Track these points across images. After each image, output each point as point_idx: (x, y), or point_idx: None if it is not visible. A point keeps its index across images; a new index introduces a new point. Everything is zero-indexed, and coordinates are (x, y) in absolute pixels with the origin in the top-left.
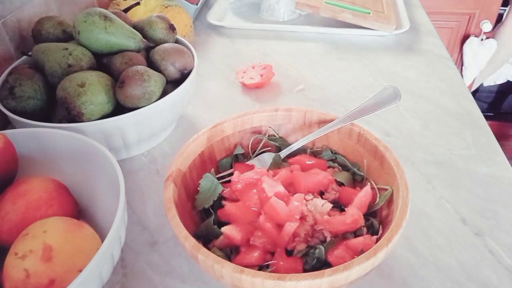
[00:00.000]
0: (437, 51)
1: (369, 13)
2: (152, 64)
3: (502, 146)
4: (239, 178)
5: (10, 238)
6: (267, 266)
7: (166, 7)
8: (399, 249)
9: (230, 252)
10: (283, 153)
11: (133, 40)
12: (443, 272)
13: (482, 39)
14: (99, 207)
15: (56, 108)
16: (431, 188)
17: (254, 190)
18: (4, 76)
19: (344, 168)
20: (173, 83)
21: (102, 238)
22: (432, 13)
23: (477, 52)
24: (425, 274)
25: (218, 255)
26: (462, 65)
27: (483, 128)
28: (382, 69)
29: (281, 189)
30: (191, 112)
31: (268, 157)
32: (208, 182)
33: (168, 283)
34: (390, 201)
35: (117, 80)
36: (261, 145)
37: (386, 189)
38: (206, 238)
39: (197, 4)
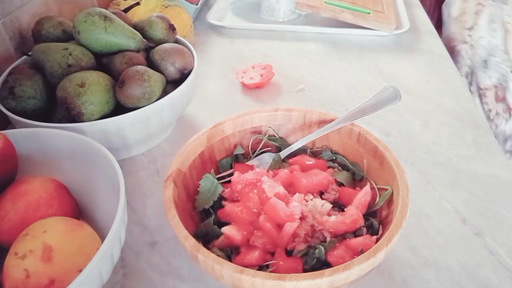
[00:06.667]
0: (437, 51)
1: (369, 13)
2: (152, 64)
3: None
4: (239, 178)
5: (10, 238)
6: (267, 266)
7: (166, 7)
8: (399, 249)
9: (230, 252)
10: (283, 153)
11: (133, 40)
12: (443, 272)
13: None
14: (99, 207)
15: (56, 108)
16: (431, 188)
17: (255, 191)
18: (4, 76)
19: (344, 168)
20: (173, 83)
21: (102, 238)
22: None
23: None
24: (425, 274)
25: (218, 255)
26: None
27: (483, 128)
28: (382, 69)
29: (281, 189)
30: (191, 112)
31: (268, 157)
32: (208, 183)
33: (168, 283)
34: (390, 201)
35: (117, 80)
36: (261, 145)
37: (386, 189)
38: (206, 238)
39: (197, 4)
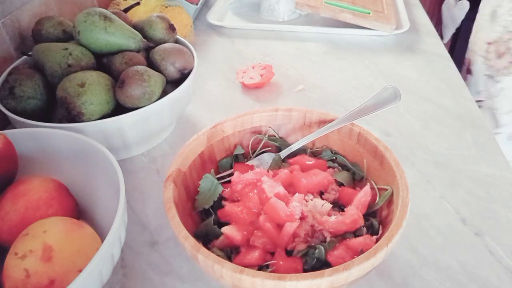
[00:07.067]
0: (437, 51)
1: (369, 13)
2: (152, 64)
3: None
4: (239, 178)
5: (10, 238)
6: (267, 266)
7: (166, 7)
8: (399, 249)
9: (230, 252)
10: (283, 153)
11: (133, 40)
12: (443, 272)
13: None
14: (99, 207)
15: (56, 108)
16: (431, 188)
17: (255, 191)
18: (4, 76)
19: (344, 168)
20: (173, 83)
21: (102, 238)
22: None
23: (453, 11)
24: (425, 274)
25: (218, 255)
26: (441, 23)
27: (483, 128)
28: (382, 69)
29: (281, 189)
30: (191, 112)
31: (268, 157)
32: (208, 183)
33: (168, 283)
34: (390, 201)
35: (117, 80)
36: (261, 145)
37: (386, 189)
38: (206, 238)
39: (197, 4)
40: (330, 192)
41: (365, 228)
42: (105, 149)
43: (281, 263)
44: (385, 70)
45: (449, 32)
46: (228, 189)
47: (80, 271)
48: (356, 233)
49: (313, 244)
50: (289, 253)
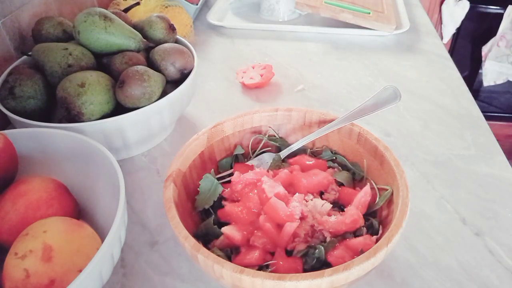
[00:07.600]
0: (437, 51)
1: (369, 13)
2: (152, 64)
3: (502, 146)
4: (239, 178)
5: (10, 238)
6: (267, 266)
7: (166, 7)
8: (399, 249)
9: (230, 252)
10: (283, 153)
11: (133, 40)
12: (443, 272)
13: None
14: (99, 207)
15: (56, 108)
16: (431, 188)
17: (255, 191)
18: (4, 76)
19: (344, 168)
20: (173, 83)
21: (102, 238)
22: None
23: (453, 11)
24: (425, 274)
25: (218, 255)
26: (441, 23)
27: (483, 128)
28: (382, 69)
29: (281, 189)
30: (191, 112)
31: (268, 157)
32: (208, 183)
33: (167, 283)
34: (390, 201)
35: (117, 80)
36: (261, 145)
37: (386, 189)
38: (206, 238)
39: (197, 4)
40: (330, 192)
41: (365, 228)
42: (105, 149)
43: (281, 263)
44: (385, 70)
45: (449, 32)
46: (228, 189)
47: (80, 271)
48: (356, 233)
49: (313, 244)
50: (289, 253)
